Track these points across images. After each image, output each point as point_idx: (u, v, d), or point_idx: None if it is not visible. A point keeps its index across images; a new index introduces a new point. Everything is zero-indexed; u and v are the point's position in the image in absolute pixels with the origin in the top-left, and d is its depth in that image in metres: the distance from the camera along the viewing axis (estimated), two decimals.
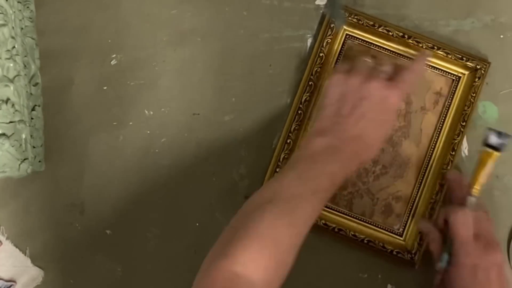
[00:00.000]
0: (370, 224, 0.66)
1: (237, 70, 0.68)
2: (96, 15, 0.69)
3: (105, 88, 0.68)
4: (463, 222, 0.58)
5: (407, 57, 0.66)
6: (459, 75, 0.67)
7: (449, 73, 0.67)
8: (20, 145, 0.61)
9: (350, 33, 0.67)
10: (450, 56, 0.66)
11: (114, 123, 0.68)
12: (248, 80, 0.68)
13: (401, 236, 0.65)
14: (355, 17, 0.66)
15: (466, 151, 0.67)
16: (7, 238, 0.66)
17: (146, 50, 0.69)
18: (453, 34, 0.68)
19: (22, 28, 0.64)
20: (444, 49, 0.66)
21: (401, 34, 0.66)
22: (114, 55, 0.69)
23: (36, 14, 0.68)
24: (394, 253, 0.65)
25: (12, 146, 0.60)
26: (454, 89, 0.67)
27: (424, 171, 0.66)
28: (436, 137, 0.66)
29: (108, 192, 0.67)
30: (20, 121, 0.61)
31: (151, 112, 0.68)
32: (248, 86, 0.68)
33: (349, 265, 0.66)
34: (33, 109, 0.65)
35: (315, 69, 0.66)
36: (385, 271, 0.66)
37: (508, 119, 0.68)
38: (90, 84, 0.68)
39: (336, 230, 0.65)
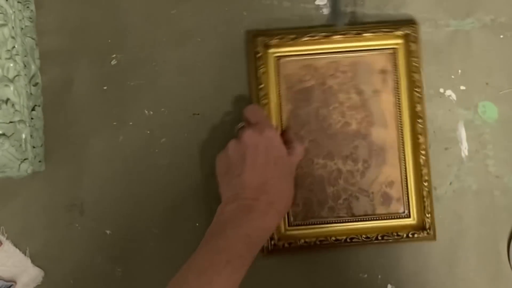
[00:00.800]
0: (376, 219, 0.66)
1: (237, 70, 0.68)
2: (96, 15, 0.69)
3: (105, 88, 0.68)
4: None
5: (344, 51, 0.67)
6: (394, 46, 0.67)
7: (384, 49, 0.67)
8: (20, 145, 0.61)
9: (279, 54, 0.67)
10: (378, 34, 0.66)
11: (114, 123, 0.68)
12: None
13: (409, 217, 0.66)
14: (276, 37, 0.66)
15: (466, 151, 0.67)
16: (7, 238, 0.66)
17: (146, 50, 0.69)
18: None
19: (22, 28, 0.64)
20: (370, 30, 0.66)
21: (324, 34, 0.66)
22: (114, 55, 0.69)
23: (36, 14, 0.68)
24: (410, 236, 0.65)
25: (12, 146, 0.60)
26: (395, 61, 0.67)
27: (402, 148, 0.66)
28: (399, 113, 0.66)
29: (108, 192, 0.67)
30: (20, 121, 0.61)
31: (151, 112, 0.68)
32: (248, 86, 0.68)
33: (349, 265, 0.66)
34: (33, 109, 0.65)
35: (264, 102, 0.66)
36: (385, 271, 0.66)
37: (508, 119, 0.68)
38: (90, 84, 0.68)
39: (348, 240, 0.65)
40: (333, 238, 0.65)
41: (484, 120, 0.68)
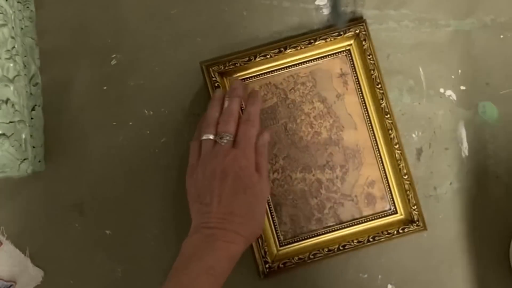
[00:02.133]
0: (364, 222, 0.66)
1: None
2: (96, 15, 0.69)
3: (105, 88, 0.68)
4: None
5: (299, 63, 0.67)
6: (347, 48, 0.67)
7: (338, 52, 0.67)
8: (20, 145, 0.61)
9: (237, 79, 0.67)
10: (329, 39, 0.66)
11: (114, 123, 0.68)
12: None
13: (397, 213, 0.66)
14: (230, 64, 0.66)
15: (466, 151, 0.67)
16: (7, 238, 0.66)
17: (146, 50, 0.69)
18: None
19: (22, 28, 0.64)
20: (320, 36, 0.66)
21: (276, 50, 0.66)
22: (114, 55, 0.69)
23: (36, 14, 0.68)
24: (401, 231, 0.65)
25: (12, 146, 0.60)
26: (351, 62, 0.67)
27: (376, 146, 0.66)
28: (366, 112, 0.67)
29: (108, 192, 0.67)
30: (20, 121, 0.61)
31: (151, 112, 0.68)
32: None
33: (349, 266, 0.66)
34: (33, 109, 0.65)
35: None
36: (385, 271, 0.66)
37: (508, 119, 0.68)
38: (90, 84, 0.68)
39: (341, 248, 0.65)
40: (326, 249, 0.65)
41: (484, 120, 0.68)
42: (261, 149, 0.61)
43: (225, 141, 0.60)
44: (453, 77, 0.68)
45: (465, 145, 0.68)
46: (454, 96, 0.68)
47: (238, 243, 0.57)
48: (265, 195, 0.61)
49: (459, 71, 0.68)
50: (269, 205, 0.66)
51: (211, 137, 0.61)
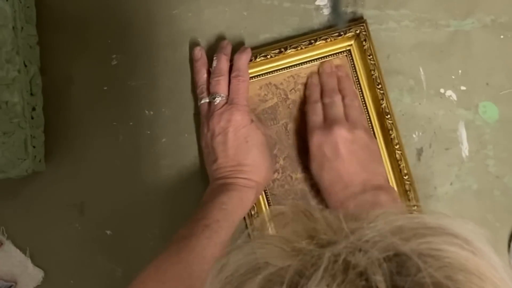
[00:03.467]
0: None
1: None
2: (96, 15, 0.69)
3: (105, 88, 0.68)
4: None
5: (300, 63, 0.67)
6: (348, 48, 0.67)
7: (339, 52, 0.67)
8: (20, 145, 0.61)
9: None
10: (330, 40, 0.66)
11: (114, 123, 0.68)
12: None
13: None
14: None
15: (466, 151, 0.67)
16: (7, 238, 0.66)
17: (146, 50, 0.69)
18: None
19: (22, 28, 0.64)
20: (321, 37, 0.66)
21: (277, 51, 0.66)
22: (114, 55, 0.69)
23: (36, 14, 0.68)
24: None
25: (12, 146, 0.60)
26: (352, 62, 0.67)
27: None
28: (367, 112, 0.67)
29: (108, 192, 0.67)
30: (20, 121, 0.61)
31: (151, 112, 0.68)
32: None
33: None
34: (33, 109, 0.65)
35: None
36: None
37: (508, 119, 0.68)
38: (90, 84, 0.68)
39: None
40: None
41: (485, 120, 0.68)
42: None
43: (217, 101, 0.63)
44: (453, 77, 0.68)
45: (465, 145, 0.67)
46: (454, 96, 0.68)
47: (250, 186, 0.60)
48: (263, 137, 0.63)
49: (459, 71, 0.68)
50: (269, 206, 0.66)
51: (207, 100, 0.64)
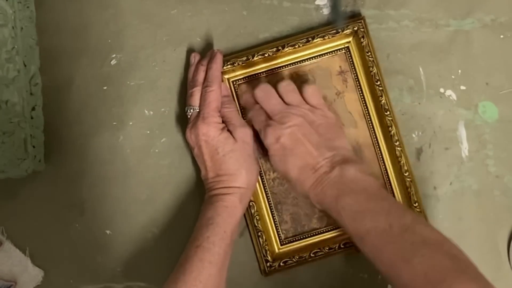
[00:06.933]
0: None
1: None
2: (96, 15, 0.69)
3: (105, 88, 0.68)
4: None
5: (298, 61, 0.67)
6: (346, 45, 0.67)
7: (337, 50, 0.67)
8: (20, 145, 0.61)
9: (236, 78, 0.67)
10: (327, 37, 0.66)
11: (114, 123, 0.68)
12: None
13: None
14: (227, 64, 0.66)
15: (466, 151, 0.67)
16: (7, 238, 0.66)
17: (146, 50, 0.69)
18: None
19: (22, 28, 0.64)
20: (318, 34, 0.66)
21: (275, 49, 0.66)
22: (114, 55, 0.69)
23: (36, 14, 0.68)
24: None
25: (12, 146, 0.60)
26: (350, 59, 0.67)
27: (376, 143, 0.66)
28: (366, 110, 0.67)
29: (108, 192, 0.67)
30: (20, 121, 0.61)
31: (151, 112, 0.68)
32: None
33: (349, 265, 0.66)
34: (33, 109, 0.65)
35: None
36: None
37: (508, 119, 0.68)
38: (90, 84, 0.68)
39: (341, 246, 0.65)
40: (326, 248, 0.65)
41: (485, 120, 0.68)
42: (223, 100, 0.64)
43: (190, 113, 0.64)
44: (453, 77, 0.68)
45: (465, 145, 0.67)
46: (454, 96, 0.68)
47: (231, 193, 0.61)
48: (245, 140, 0.63)
49: (459, 71, 0.68)
50: (269, 204, 0.66)
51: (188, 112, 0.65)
